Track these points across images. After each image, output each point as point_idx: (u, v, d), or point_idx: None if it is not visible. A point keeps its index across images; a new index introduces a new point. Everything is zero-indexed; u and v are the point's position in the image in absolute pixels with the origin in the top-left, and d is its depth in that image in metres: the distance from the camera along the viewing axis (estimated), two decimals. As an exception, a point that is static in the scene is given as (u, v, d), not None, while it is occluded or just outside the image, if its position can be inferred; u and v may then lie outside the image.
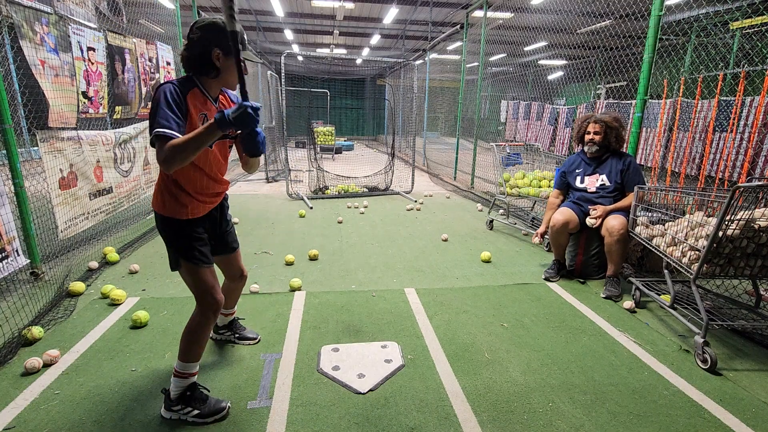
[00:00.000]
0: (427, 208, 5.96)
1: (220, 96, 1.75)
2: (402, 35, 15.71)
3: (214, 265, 1.84)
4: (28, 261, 2.99)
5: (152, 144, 1.50)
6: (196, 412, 1.74)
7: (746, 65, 4.71)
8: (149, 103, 5.04)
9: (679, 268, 2.44)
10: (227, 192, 1.97)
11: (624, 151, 3.34)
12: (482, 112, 11.30)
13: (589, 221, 3.16)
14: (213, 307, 1.75)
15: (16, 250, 2.89)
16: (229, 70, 1.63)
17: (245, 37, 1.44)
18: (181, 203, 1.69)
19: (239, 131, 1.48)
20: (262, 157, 1.86)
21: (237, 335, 2.35)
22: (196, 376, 1.79)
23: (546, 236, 3.42)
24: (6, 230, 2.78)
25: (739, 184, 2.03)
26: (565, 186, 3.51)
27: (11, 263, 2.82)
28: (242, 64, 1.50)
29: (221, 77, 1.64)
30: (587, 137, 3.31)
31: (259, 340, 2.37)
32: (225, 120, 1.39)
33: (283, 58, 6.26)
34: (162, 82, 1.56)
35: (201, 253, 1.74)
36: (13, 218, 2.90)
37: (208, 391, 1.82)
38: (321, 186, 6.82)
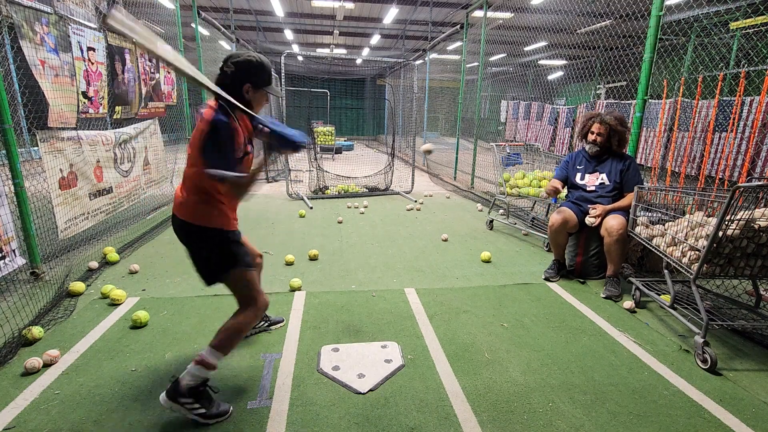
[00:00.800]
0: (427, 208, 5.96)
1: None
2: (402, 35, 15.71)
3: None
4: (26, 261, 2.99)
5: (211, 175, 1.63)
6: (202, 410, 1.71)
7: (746, 65, 4.71)
8: (149, 103, 5.04)
9: (679, 268, 2.44)
10: None
11: (624, 152, 3.34)
12: (482, 112, 11.30)
13: (588, 220, 3.16)
14: (265, 306, 1.87)
15: (14, 251, 2.89)
16: (256, 102, 1.79)
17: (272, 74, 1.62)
18: (226, 215, 1.79)
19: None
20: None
21: (267, 323, 2.48)
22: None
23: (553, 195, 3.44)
24: (4, 231, 2.78)
25: (739, 184, 2.03)
26: (564, 178, 3.50)
27: (9, 264, 2.82)
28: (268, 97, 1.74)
29: (249, 107, 1.77)
30: (590, 136, 3.30)
31: (284, 322, 2.56)
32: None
33: (283, 58, 6.26)
34: (216, 117, 1.64)
35: (248, 256, 1.86)
36: (14, 218, 2.91)
37: (217, 392, 1.81)
38: (320, 186, 6.82)
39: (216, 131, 1.60)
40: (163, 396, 1.70)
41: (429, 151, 3.56)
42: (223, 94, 1.62)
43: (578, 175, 3.40)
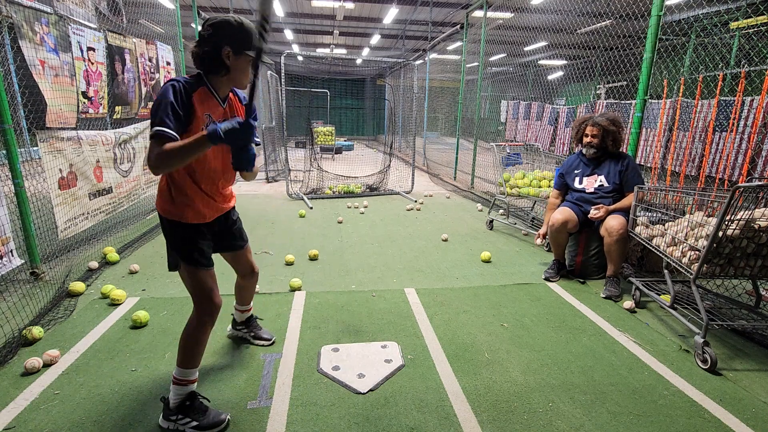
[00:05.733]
0: (427, 208, 5.96)
1: (230, 95, 1.74)
2: (402, 35, 15.71)
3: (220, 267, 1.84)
4: (23, 262, 2.98)
5: (150, 137, 1.49)
6: (194, 423, 1.69)
7: (746, 65, 4.71)
8: (149, 103, 5.04)
9: (679, 268, 2.44)
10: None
11: (623, 151, 3.34)
12: (482, 112, 11.30)
13: (592, 211, 3.17)
14: (209, 311, 1.72)
15: (11, 252, 2.88)
16: (239, 70, 1.62)
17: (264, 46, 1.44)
18: (189, 207, 1.69)
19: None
20: (262, 158, 1.89)
21: (252, 334, 2.35)
22: (196, 384, 1.75)
23: (547, 237, 3.42)
24: (2, 231, 2.77)
25: (739, 184, 2.03)
26: (564, 186, 3.51)
27: (6, 264, 2.81)
28: (257, 67, 1.47)
29: (231, 76, 1.62)
30: (585, 139, 3.31)
31: (273, 342, 2.35)
32: (216, 134, 1.37)
33: (283, 58, 6.26)
34: (171, 78, 1.54)
35: (201, 254, 1.72)
36: (13, 218, 2.90)
37: (209, 402, 1.79)
38: (316, 188, 6.80)
39: (162, 89, 1.51)
40: (160, 418, 1.74)
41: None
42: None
43: (576, 180, 3.40)
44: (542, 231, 3.41)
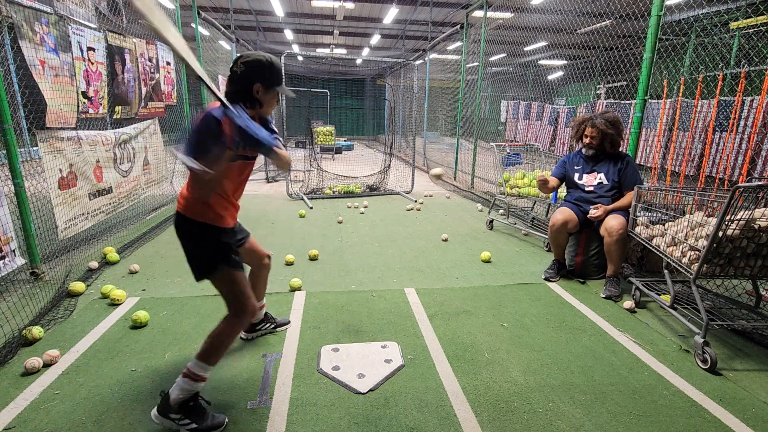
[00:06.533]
0: (427, 208, 5.96)
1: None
2: (402, 35, 15.71)
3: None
4: (25, 261, 2.99)
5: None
6: (194, 426, 1.67)
7: (746, 65, 4.71)
8: (149, 103, 5.05)
9: (679, 268, 2.44)
10: None
11: (622, 151, 3.35)
12: (482, 112, 11.30)
13: (591, 210, 3.17)
14: (251, 311, 1.78)
15: (13, 251, 2.89)
16: (267, 102, 1.77)
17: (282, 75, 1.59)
18: (220, 212, 1.75)
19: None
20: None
21: (273, 326, 2.45)
22: (203, 384, 1.73)
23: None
24: (3, 231, 2.78)
25: (739, 184, 2.03)
26: (561, 177, 3.50)
27: (8, 264, 2.82)
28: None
29: (262, 109, 1.77)
30: (585, 140, 3.33)
31: (290, 323, 2.54)
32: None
33: (283, 58, 6.25)
34: (211, 111, 1.61)
35: (237, 255, 1.81)
36: (14, 218, 2.90)
37: (209, 405, 1.77)
38: (316, 187, 6.79)
39: (203, 122, 1.56)
40: (154, 412, 1.69)
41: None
42: (215, 90, 1.57)
43: (576, 176, 3.41)
44: (543, 176, 3.30)
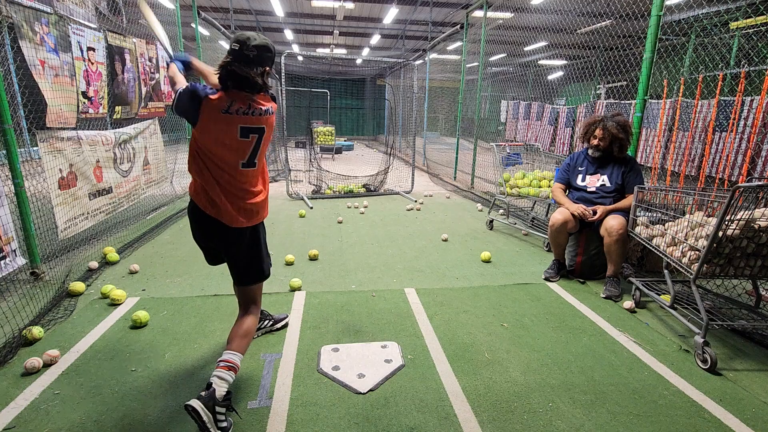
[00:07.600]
0: (427, 208, 5.96)
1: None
2: (402, 35, 15.71)
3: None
4: (26, 261, 2.99)
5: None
6: (225, 424, 1.61)
7: (746, 65, 4.71)
8: (149, 103, 5.05)
9: (679, 268, 2.44)
10: None
11: (627, 155, 3.34)
12: (482, 112, 11.30)
13: (591, 214, 3.16)
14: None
15: (14, 251, 2.89)
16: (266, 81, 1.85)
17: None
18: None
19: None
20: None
21: (271, 323, 2.48)
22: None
23: (588, 212, 3.21)
24: (4, 231, 2.78)
25: (739, 184, 2.03)
26: (566, 182, 3.51)
27: (9, 264, 2.82)
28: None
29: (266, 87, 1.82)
30: (593, 141, 3.31)
31: (287, 317, 2.58)
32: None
33: (283, 58, 6.25)
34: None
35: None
36: (14, 218, 2.90)
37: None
38: (316, 188, 6.79)
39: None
40: (197, 402, 1.54)
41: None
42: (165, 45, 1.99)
43: (579, 177, 3.40)
44: (575, 209, 3.21)
